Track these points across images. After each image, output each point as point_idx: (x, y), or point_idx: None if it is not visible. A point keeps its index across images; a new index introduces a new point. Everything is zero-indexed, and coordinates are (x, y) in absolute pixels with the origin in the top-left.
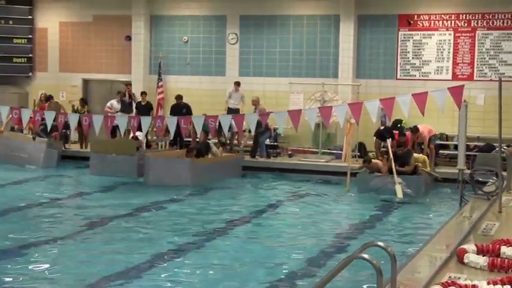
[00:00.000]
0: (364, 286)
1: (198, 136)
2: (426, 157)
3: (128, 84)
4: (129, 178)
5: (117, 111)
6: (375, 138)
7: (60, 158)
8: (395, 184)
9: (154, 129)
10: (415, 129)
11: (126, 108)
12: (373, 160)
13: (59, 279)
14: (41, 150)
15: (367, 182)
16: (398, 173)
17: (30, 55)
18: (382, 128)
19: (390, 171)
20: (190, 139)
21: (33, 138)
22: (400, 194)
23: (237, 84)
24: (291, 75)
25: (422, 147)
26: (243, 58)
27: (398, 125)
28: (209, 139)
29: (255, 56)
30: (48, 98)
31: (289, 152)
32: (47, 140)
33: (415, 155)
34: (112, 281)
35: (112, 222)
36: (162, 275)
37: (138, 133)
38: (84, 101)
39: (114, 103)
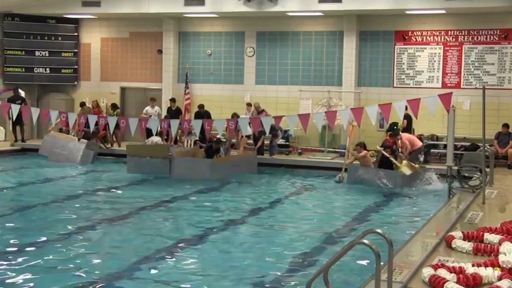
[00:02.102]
0: (364, 266)
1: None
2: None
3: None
4: (161, 175)
5: (150, 116)
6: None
7: (96, 156)
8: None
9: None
10: (394, 133)
11: (172, 116)
12: (365, 151)
13: (98, 260)
14: (79, 149)
15: (356, 174)
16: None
17: (76, 66)
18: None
19: (379, 166)
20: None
21: (78, 140)
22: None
23: (249, 105)
24: (301, 83)
25: (400, 153)
26: (259, 69)
27: (395, 127)
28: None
29: (270, 66)
30: (82, 104)
31: (299, 151)
32: (87, 141)
33: (406, 162)
34: (142, 263)
35: (144, 210)
36: (189, 257)
37: (158, 138)
38: (115, 106)
39: (149, 109)
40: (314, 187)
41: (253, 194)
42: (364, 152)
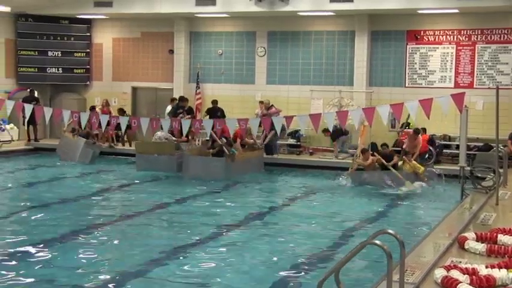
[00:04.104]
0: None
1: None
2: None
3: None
4: (169, 173)
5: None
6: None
7: (97, 156)
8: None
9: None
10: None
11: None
12: (372, 158)
13: (107, 259)
14: (78, 148)
15: (360, 177)
16: (386, 168)
17: (88, 66)
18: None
19: (382, 168)
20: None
21: (73, 136)
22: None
23: (261, 102)
24: (312, 83)
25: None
26: (270, 68)
27: (406, 127)
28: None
29: (281, 66)
30: (92, 109)
31: (310, 151)
32: (86, 140)
33: (414, 164)
34: (148, 264)
35: (153, 210)
36: (198, 257)
37: (163, 133)
38: (122, 111)
39: (170, 108)
40: (324, 187)
41: (263, 194)
42: (370, 159)
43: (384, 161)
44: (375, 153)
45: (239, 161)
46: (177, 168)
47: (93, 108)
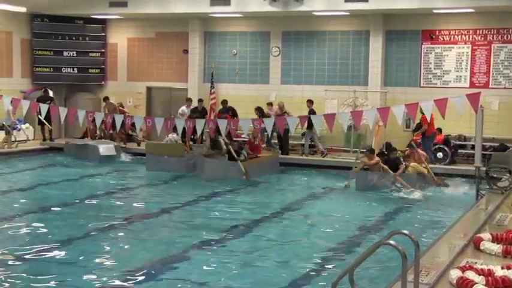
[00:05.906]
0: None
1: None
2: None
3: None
4: (179, 174)
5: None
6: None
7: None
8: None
9: (207, 130)
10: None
11: (197, 115)
12: (377, 158)
13: (118, 261)
14: (94, 149)
15: (367, 179)
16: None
17: (103, 66)
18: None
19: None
20: (239, 139)
21: (95, 138)
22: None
23: (270, 104)
24: (327, 83)
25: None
26: (285, 68)
27: (421, 128)
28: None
29: (295, 66)
30: (105, 99)
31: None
32: (109, 141)
33: (414, 164)
34: (161, 264)
35: (168, 210)
36: (213, 257)
37: (174, 135)
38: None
39: (185, 109)
40: (338, 188)
41: (276, 195)
42: (376, 160)
43: (386, 167)
44: (378, 157)
45: (254, 164)
46: (186, 169)
47: (106, 98)
